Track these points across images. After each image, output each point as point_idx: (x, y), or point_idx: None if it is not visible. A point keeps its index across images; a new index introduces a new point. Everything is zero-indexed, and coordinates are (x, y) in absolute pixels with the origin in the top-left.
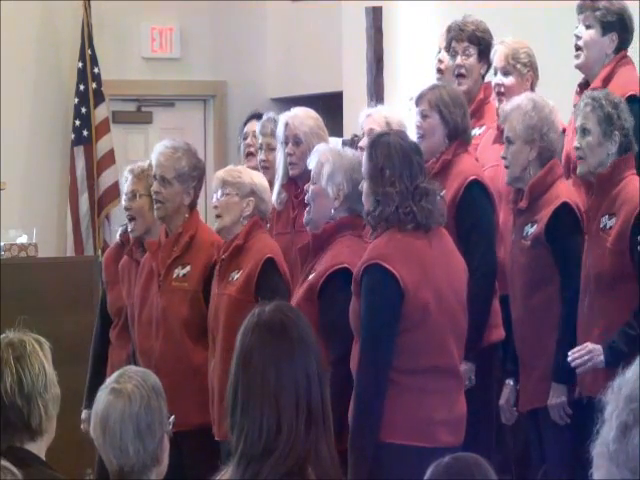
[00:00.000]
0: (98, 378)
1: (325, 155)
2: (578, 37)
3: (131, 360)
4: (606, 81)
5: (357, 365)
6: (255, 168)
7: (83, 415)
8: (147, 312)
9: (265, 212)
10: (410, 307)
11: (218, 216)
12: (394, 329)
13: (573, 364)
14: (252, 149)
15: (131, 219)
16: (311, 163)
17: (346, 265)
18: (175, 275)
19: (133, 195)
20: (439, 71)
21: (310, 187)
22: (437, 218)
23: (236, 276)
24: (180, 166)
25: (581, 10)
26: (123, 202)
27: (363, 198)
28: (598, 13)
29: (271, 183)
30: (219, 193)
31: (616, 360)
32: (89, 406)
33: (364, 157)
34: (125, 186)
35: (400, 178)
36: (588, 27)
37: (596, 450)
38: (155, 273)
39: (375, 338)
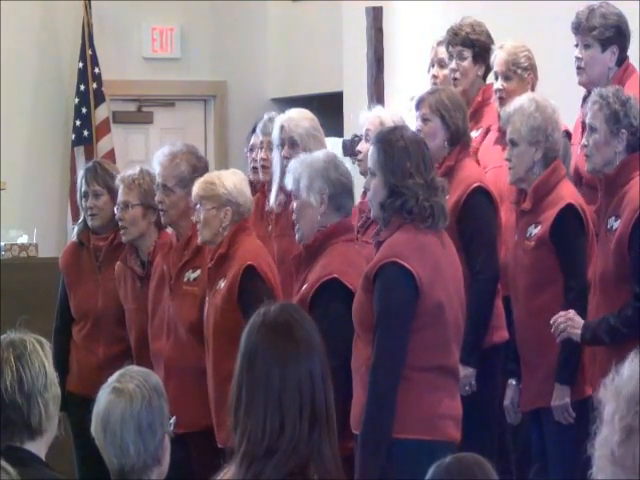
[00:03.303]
0: (61, 382)
1: (297, 170)
2: (579, 59)
3: (126, 363)
4: None
5: (372, 362)
6: (260, 183)
7: None
8: (159, 314)
9: (245, 213)
10: (425, 305)
11: (200, 230)
12: (409, 327)
13: (553, 328)
14: (256, 164)
15: (122, 228)
16: (288, 184)
17: (335, 275)
18: (186, 279)
19: (125, 206)
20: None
21: (294, 205)
22: (447, 216)
23: (222, 284)
24: (179, 172)
25: (577, 31)
26: (115, 211)
27: (372, 192)
28: (595, 32)
29: (270, 183)
30: (198, 207)
31: (590, 341)
32: None
33: (372, 153)
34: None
35: (418, 170)
36: (587, 47)
37: (598, 453)
38: (167, 276)
39: (392, 336)
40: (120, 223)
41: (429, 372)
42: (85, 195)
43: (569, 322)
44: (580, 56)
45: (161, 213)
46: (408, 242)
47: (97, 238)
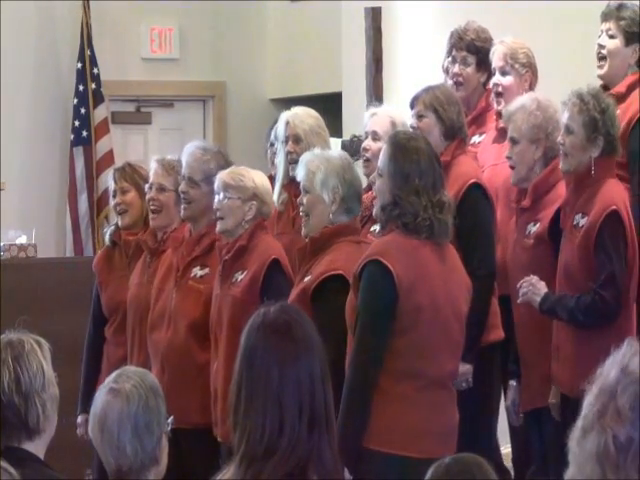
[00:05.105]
0: (92, 382)
1: (314, 163)
2: (601, 46)
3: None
4: (630, 88)
5: (349, 359)
6: None
7: (79, 419)
8: (161, 305)
9: (267, 213)
10: (403, 307)
11: (220, 218)
12: (387, 325)
13: (520, 291)
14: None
15: (154, 212)
16: (298, 175)
17: (341, 272)
18: (193, 274)
19: (161, 188)
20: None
21: (303, 198)
22: (449, 232)
23: (240, 277)
24: (208, 168)
25: (606, 18)
26: (147, 193)
27: (377, 191)
28: (623, 23)
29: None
30: (221, 195)
31: (547, 312)
32: (84, 410)
33: (384, 154)
34: (151, 176)
35: (425, 188)
36: (612, 37)
37: (569, 446)
38: (174, 268)
39: (368, 333)
40: (151, 204)
41: (405, 381)
42: (114, 194)
43: (531, 287)
44: (603, 44)
45: (183, 206)
46: (394, 243)
47: (127, 233)
